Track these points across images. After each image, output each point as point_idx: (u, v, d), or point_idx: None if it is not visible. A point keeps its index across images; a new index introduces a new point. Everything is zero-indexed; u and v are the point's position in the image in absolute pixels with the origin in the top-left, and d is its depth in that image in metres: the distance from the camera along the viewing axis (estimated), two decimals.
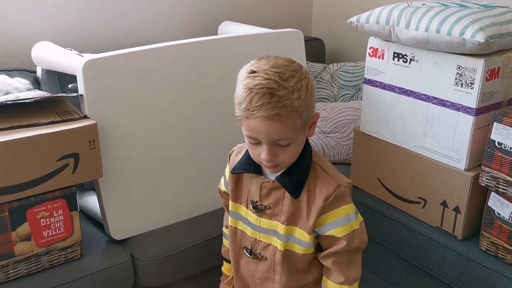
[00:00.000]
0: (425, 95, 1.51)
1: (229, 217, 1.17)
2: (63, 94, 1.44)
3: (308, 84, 0.97)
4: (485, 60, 1.35)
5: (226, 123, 1.59)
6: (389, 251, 1.71)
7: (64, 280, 1.33)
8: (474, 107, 1.39)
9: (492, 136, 1.35)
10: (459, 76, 1.41)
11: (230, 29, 2.01)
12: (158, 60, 1.45)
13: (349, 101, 2.18)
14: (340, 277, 1.08)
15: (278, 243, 1.09)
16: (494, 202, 1.40)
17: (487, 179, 1.39)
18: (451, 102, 1.44)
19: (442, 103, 1.47)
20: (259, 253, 1.13)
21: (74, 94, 1.38)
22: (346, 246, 1.05)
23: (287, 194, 1.05)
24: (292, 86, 0.94)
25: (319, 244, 1.11)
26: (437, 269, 1.54)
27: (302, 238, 1.07)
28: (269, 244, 1.11)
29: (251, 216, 1.11)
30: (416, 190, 1.60)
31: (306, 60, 1.81)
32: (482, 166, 1.40)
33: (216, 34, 2.09)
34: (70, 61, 1.47)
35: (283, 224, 1.07)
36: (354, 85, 2.20)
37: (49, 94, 1.66)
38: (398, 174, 1.64)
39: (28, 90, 1.75)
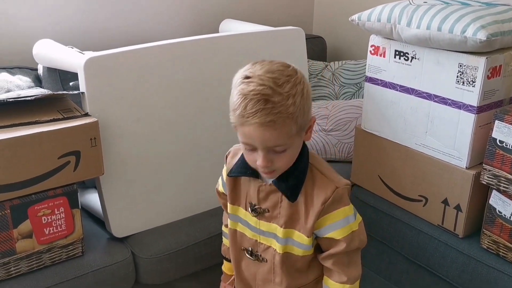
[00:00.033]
0: (426, 93, 1.50)
1: (228, 219, 1.17)
2: (64, 92, 1.44)
3: (303, 89, 0.96)
4: (486, 58, 1.35)
5: (227, 121, 1.58)
6: (390, 249, 1.71)
7: (65, 278, 1.34)
8: (476, 105, 1.39)
9: (494, 134, 1.35)
10: (460, 74, 1.40)
11: (231, 27, 2.01)
12: (159, 58, 1.45)
13: (350, 99, 2.18)
14: (342, 276, 1.07)
15: (277, 246, 1.09)
16: (495, 200, 1.40)
17: (488, 177, 1.39)
18: (452, 100, 1.44)
19: (443, 101, 1.47)
20: (260, 255, 1.13)
21: (76, 92, 1.38)
22: (346, 247, 1.05)
23: (285, 198, 1.05)
24: (287, 91, 0.92)
25: (318, 244, 1.10)
26: (438, 267, 1.54)
27: (301, 241, 1.07)
28: (269, 247, 1.11)
29: (251, 218, 1.11)
30: (417, 188, 1.60)
31: (307, 58, 1.81)
32: (483, 164, 1.40)
33: (217, 32, 2.09)
34: (71, 59, 1.47)
35: (281, 227, 1.07)
36: (355, 83, 2.19)
37: (50, 92, 1.67)
38: (399, 172, 1.64)
39: (29, 87, 1.75)
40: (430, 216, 1.58)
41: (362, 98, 1.81)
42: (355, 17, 1.62)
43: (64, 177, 1.28)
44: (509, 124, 1.31)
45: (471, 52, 1.37)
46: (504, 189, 1.36)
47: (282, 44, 1.68)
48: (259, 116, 0.91)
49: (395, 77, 1.58)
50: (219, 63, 1.55)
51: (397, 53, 1.56)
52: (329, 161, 1.99)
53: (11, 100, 1.32)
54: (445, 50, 1.43)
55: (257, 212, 1.09)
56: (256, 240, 1.13)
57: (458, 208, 1.49)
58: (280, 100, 0.91)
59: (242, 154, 1.07)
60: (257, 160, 0.98)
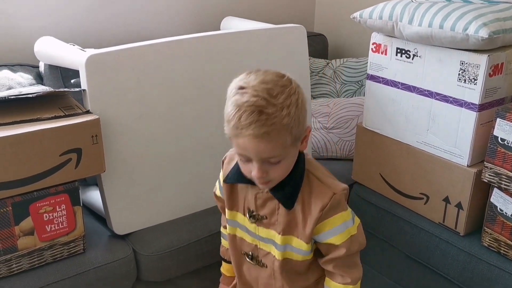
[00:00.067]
0: (428, 91, 1.50)
1: (227, 224, 1.17)
2: (66, 89, 1.44)
3: (298, 99, 0.95)
4: (488, 55, 1.34)
5: None
6: (391, 247, 1.71)
7: (66, 275, 1.34)
8: (477, 103, 1.39)
9: (495, 132, 1.35)
10: (462, 72, 1.40)
11: (233, 25, 2.01)
12: (161, 55, 1.45)
13: (352, 97, 2.18)
14: (345, 278, 1.08)
15: (276, 253, 1.09)
16: (497, 198, 1.40)
17: (489, 175, 1.39)
18: (454, 98, 1.44)
19: (445, 99, 1.46)
20: (261, 260, 1.13)
21: (77, 89, 1.38)
22: (346, 252, 1.05)
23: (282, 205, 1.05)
24: (281, 102, 0.91)
25: (318, 248, 1.10)
26: (439, 265, 1.54)
27: (299, 247, 1.07)
28: (268, 252, 1.11)
29: (249, 224, 1.10)
30: (419, 186, 1.60)
31: (309, 55, 1.80)
32: (484, 162, 1.40)
33: (219, 29, 2.08)
34: (72, 56, 1.47)
35: (279, 234, 1.06)
36: (356, 81, 2.19)
37: (51, 89, 1.67)
38: (400, 170, 1.64)
39: (30, 85, 1.75)
40: (431, 214, 1.58)
41: (364, 96, 1.81)
42: (356, 14, 1.62)
43: (66, 175, 1.28)
44: (511, 122, 1.31)
45: (473, 49, 1.37)
46: (505, 187, 1.36)
47: (283, 41, 1.68)
48: (253, 128, 0.90)
49: (397, 74, 1.58)
50: (220, 60, 1.55)
51: (398, 50, 1.55)
52: (330, 159, 1.99)
53: (12, 97, 1.32)
54: (447, 47, 1.43)
55: (255, 219, 1.08)
56: (256, 245, 1.12)
57: (459, 206, 1.49)
58: (274, 111, 0.90)
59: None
60: (252, 171, 0.97)
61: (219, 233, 1.31)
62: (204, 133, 1.57)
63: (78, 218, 1.36)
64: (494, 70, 1.37)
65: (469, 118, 1.42)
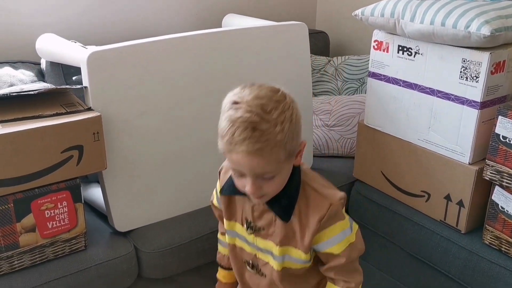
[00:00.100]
0: (429, 88, 1.50)
1: (226, 234, 1.16)
2: (67, 86, 1.44)
3: (292, 115, 0.94)
4: (490, 53, 1.34)
5: None
6: (392, 245, 1.71)
7: (68, 272, 1.34)
8: (479, 101, 1.39)
9: (497, 130, 1.35)
10: (464, 70, 1.40)
11: (234, 22, 2.00)
12: (162, 52, 1.45)
13: (353, 94, 2.18)
14: (346, 283, 1.08)
15: (274, 263, 1.08)
16: (498, 196, 1.39)
17: (491, 173, 1.39)
18: (455, 96, 1.44)
19: (446, 96, 1.46)
20: (260, 269, 1.13)
21: (78, 86, 1.38)
22: (346, 260, 1.05)
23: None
24: (275, 118, 0.90)
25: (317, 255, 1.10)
26: (440, 262, 1.54)
27: (298, 257, 1.06)
28: (267, 263, 1.11)
29: (248, 235, 1.10)
30: (420, 184, 1.60)
31: (310, 53, 1.80)
32: (486, 160, 1.39)
33: (220, 26, 2.08)
34: (74, 53, 1.47)
35: (277, 245, 1.06)
36: (358, 79, 2.19)
37: (53, 86, 1.67)
38: (401, 168, 1.64)
39: (32, 82, 1.76)
40: (432, 211, 1.58)
41: (365, 93, 1.81)
42: (358, 12, 1.62)
43: (67, 172, 1.28)
44: None
45: (474, 47, 1.37)
46: (507, 184, 1.36)
47: (285, 39, 1.68)
48: (247, 144, 0.89)
49: (398, 72, 1.58)
50: (222, 57, 1.55)
51: (400, 48, 1.55)
52: (331, 157, 1.99)
53: (14, 94, 1.32)
54: (449, 45, 1.42)
55: (253, 229, 1.08)
56: (255, 255, 1.13)
57: (460, 203, 1.49)
58: (268, 128, 0.90)
59: None
60: (246, 186, 0.97)
61: None
62: (206, 130, 1.57)
63: (80, 215, 1.36)
64: (496, 67, 1.37)
65: (471, 115, 1.42)
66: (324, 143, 1.97)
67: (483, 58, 1.35)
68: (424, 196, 1.59)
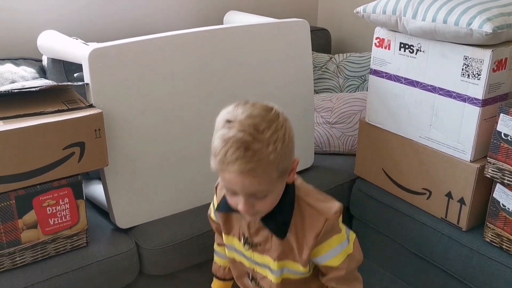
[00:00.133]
0: (431, 86, 1.50)
1: (226, 248, 1.17)
2: (69, 83, 1.44)
3: (284, 134, 0.93)
4: (492, 51, 1.34)
5: None
6: (394, 242, 1.71)
7: (69, 268, 1.34)
8: (481, 98, 1.39)
9: (498, 128, 1.35)
10: (465, 67, 1.40)
11: (236, 19, 2.00)
12: (164, 49, 1.45)
13: (355, 91, 2.17)
14: None
15: (272, 277, 1.09)
16: (499, 193, 1.39)
17: (492, 170, 1.39)
18: (457, 93, 1.44)
19: (448, 94, 1.46)
20: (259, 283, 1.13)
21: (80, 83, 1.38)
22: (346, 271, 1.06)
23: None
24: (267, 138, 0.90)
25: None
26: (441, 260, 1.54)
27: (297, 269, 1.07)
28: (265, 276, 1.11)
29: (245, 250, 1.11)
30: (421, 181, 1.60)
31: (312, 50, 1.80)
32: (487, 158, 1.39)
33: (222, 23, 2.08)
34: (75, 50, 1.47)
35: (274, 260, 1.06)
36: (360, 76, 2.19)
37: (55, 83, 1.67)
38: (403, 165, 1.64)
39: (34, 78, 1.76)
40: (433, 209, 1.58)
41: (367, 90, 1.80)
42: (360, 9, 1.62)
43: (69, 168, 1.29)
44: None
45: (476, 44, 1.37)
46: (508, 182, 1.36)
47: (286, 36, 1.68)
48: (239, 164, 0.89)
49: (400, 69, 1.58)
50: (223, 55, 1.55)
51: (402, 45, 1.55)
52: (332, 154, 1.99)
53: (15, 91, 1.32)
54: (451, 42, 1.42)
55: (250, 245, 1.09)
56: (254, 269, 1.13)
57: (461, 201, 1.49)
58: (260, 148, 0.89)
59: None
60: (238, 204, 0.97)
61: None
62: (207, 127, 1.56)
63: (81, 212, 1.36)
64: (498, 65, 1.37)
65: (472, 113, 1.41)
66: (325, 141, 1.97)
67: (485, 56, 1.35)
68: (425, 193, 1.59)
